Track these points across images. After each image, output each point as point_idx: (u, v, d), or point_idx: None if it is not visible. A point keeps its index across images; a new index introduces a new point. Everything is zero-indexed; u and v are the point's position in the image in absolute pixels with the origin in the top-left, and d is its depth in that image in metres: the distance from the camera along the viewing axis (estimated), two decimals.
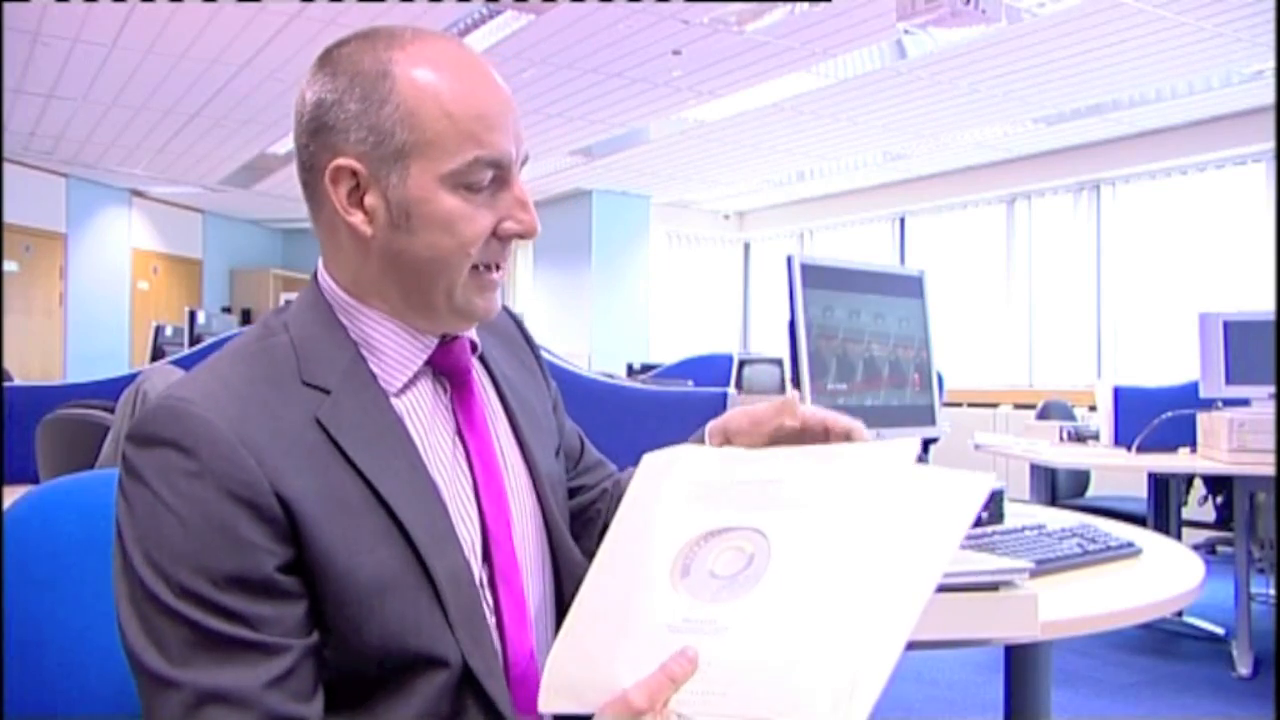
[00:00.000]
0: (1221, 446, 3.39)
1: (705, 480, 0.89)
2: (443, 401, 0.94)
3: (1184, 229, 6.99)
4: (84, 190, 9.20)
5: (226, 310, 10.11)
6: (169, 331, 6.17)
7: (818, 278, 1.60)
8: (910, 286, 1.79)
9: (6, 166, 7.25)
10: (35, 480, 2.24)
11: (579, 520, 1.10)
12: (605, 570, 0.88)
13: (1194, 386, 3.75)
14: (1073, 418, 4.76)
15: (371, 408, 0.88)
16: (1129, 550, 1.47)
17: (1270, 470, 3.18)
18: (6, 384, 3.54)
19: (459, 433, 0.94)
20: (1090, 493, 4.50)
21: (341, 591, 0.81)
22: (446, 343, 0.94)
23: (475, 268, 0.90)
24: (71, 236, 9.15)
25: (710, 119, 6.95)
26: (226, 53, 5.66)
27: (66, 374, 8.57)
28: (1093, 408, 4.64)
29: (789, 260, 1.56)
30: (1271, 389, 3.43)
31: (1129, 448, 3.75)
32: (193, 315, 5.96)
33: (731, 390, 1.81)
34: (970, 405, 7.07)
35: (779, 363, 5.49)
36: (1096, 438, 4.15)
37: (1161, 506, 3.97)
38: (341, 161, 0.87)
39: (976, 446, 4.29)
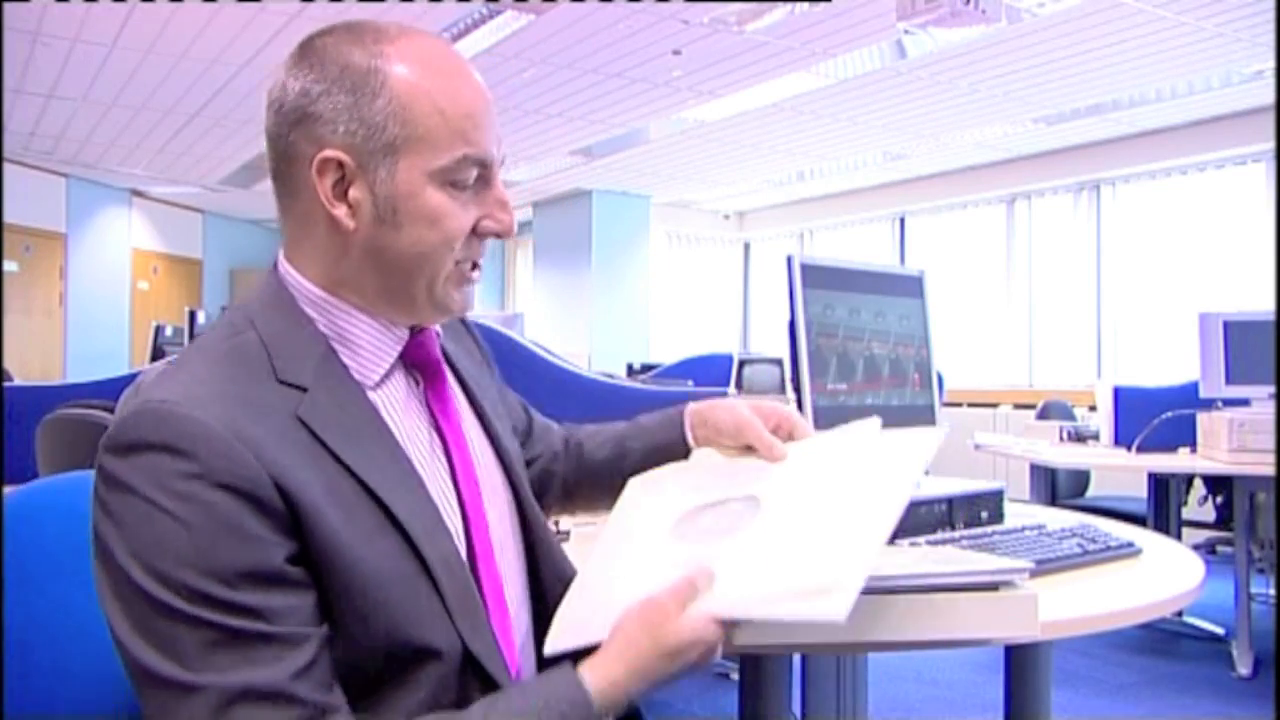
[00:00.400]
0: (1221, 446, 3.39)
1: (696, 480, 1.05)
2: (416, 394, 0.95)
3: (1184, 229, 6.99)
4: (84, 190, 9.20)
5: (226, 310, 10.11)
6: (169, 331, 6.17)
7: (818, 278, 1.59)
8: (910, 286, 1.79)
9: (6, 166, 7.26)
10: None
11: (536, 484, 1.13)
12: (605, 544, 1.00)
13: (1194, 386, 3.75)
14: (1073, 418, 4.76)
15: (349, 403, 0.88)
16: (1129, 550, 1.47)
17: (1270, 470, 3.18)
18: (6, 384, 3.54)
19: (434, 424, 0.95)
20: (1090, 493, 4.50)
21: (349, 584, 0.80)
22: (416, 335, 0.95)
23: (456, 263, 0.91)
24: (71, 236, 9.15)
25: (710, 119, 6.95)
26: (226, 53, 5.66)
27: (66, 374, 8.58)
28: (1093, 408, 4.64)
29: (789, 260, 1.56)
30: (1271, 389, 3.43)
31: (1129, 448, 3.75)
32: (193, 315, 5.95)
33: (731, 390, 1.80)
34: (970, 405, 7.07)
35: (779, 363, 5.49)
36: (1096, 438, 4.15)
37: (1161, 506, 3.97)
38: (329, 153, 0.87)
39: (976, 446, 4.29)
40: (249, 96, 6.48)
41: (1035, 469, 4.18)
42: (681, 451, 1.16)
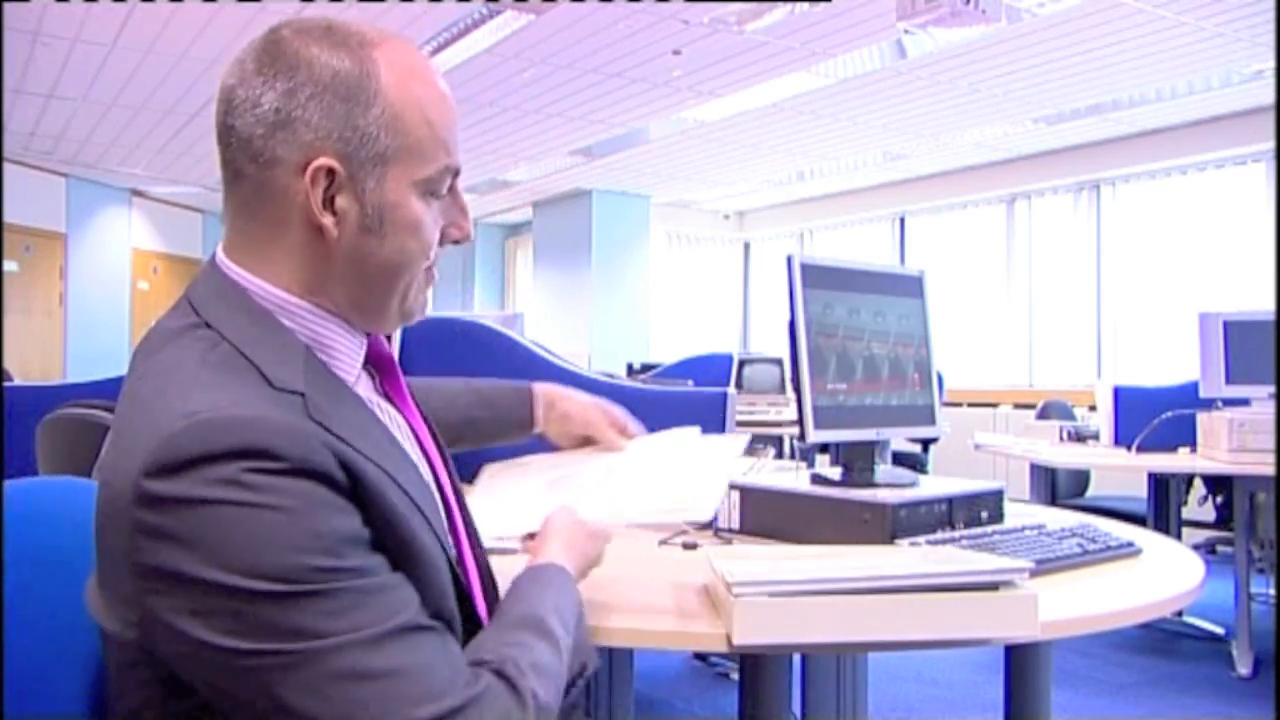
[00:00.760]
0: (1221, 446, 3.39)
1: (551, 462, 1.35)
2: (377, 389, 0.98)
3: (1184, 229, 6.99)
4: (84, 190, 9.20)
5: None
6: None
7: (818, 277, 1.59)
8: (910, 286, 1.79)
9: (6, 166, 7.26)
10: None
11: None
12: (490, 488, 1.32)
13: (1194, 386, 3.75)
14: (1073, 418, 4.76)
15: (345, 401, 0.88)
16: (1129, 550, 1.47)
17: (1270, 470, 3.19)
18: (6, 384, 3.54)
19: (401, 415, 0.99)
20: (1090, 493, 4.51)
21: (408, 556, 0.83)
22: (370, 334, 0.97)
23: (425, 269, 0.94)
24: (71, 236, 9.15)
25: (710, 119, 6.95)
26: (226, 53, 5.65)
27: (66, 374, 8.58)
28: (1093, 408, 4.64)
29: (789, 260, 1.56)
30: (1271, 389, 3.43)
31: (1129, 448, 3.75)
32: None
33: (731, 390, 1.80)
34: (970, 405, 7.07)
35: (779, 362, 5.50)
36: (1096, 438, 4.15)
37: (1161, 506, 3.97)
38: (323, 161, 0.86)
39: (976, 446, 4.29)
40: None
41: (1035, 469, 4.18)
42: (526, 429, 1.40)
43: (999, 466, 5.35)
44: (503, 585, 0.99)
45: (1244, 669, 3.41)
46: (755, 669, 1.35)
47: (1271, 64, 5.47)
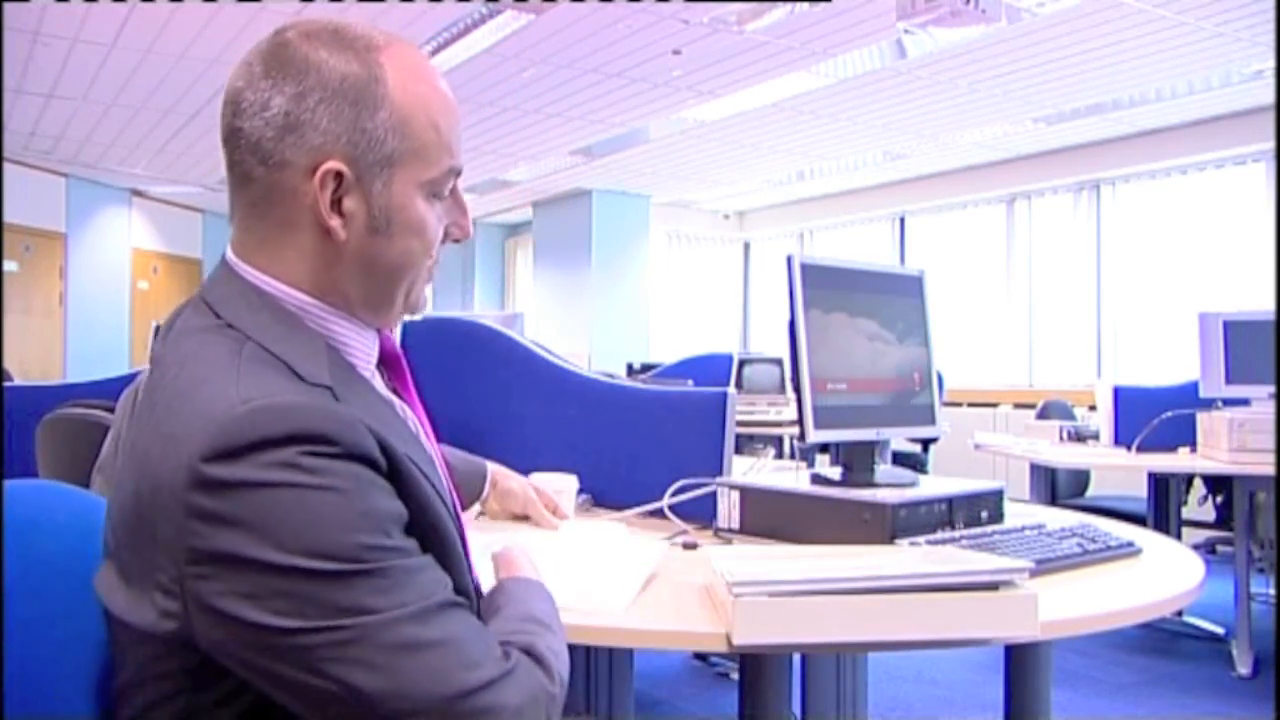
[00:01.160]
0: (1221, 446, 3.39)
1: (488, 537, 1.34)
2: (387, 385, 1.00)
3: (1184, 229, 6.99)
4: (84, 190, 9.20)
5: None
6: None
7: (818, 277, 1.60)
8: (910, 286, 1.79)
9: (6, 166, 7.26)
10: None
11: None
12: None
13: (1194, 386, 3.75)
14: (1073, 417, 4.76)
15: (368, 395, 0.91)
16: (1129, 550, 1.48)
17: (1270, 470, 3.19)
18: (6, 384, 3.54)
19: (410, 409, 1.01)
20: (1090, 492, 4.51)
21: (435, 541, 0.86)
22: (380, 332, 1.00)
23: (427, 268, 0.96)
24: (71, 236, 9.15)
25: (710, 119, 6.95)
26: (226, 53, 5.66)
27: (66, 374, 8.58)
28: (1093, 408, 4.65)
29: (789, 260, 1.56)
30: (1271, 389, 3.43)
31: (1129, 447, 3.75)
32: None
33: (731, 390, 1.80)
34: (970, 405, 7.07)
35: (779, 362, 5.50)
36: (1096, 437, 4.15)
37: (1161, 506, 3.97)
38: (332, 164, 0.87)
39: (976, 446, 4.30)
40: None
41: (1035, 469, 4.18)
42: (475, 500, 1.67)
43: (999, 466, 5.35)
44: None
45: (1244, 669, 3.41)
46: (755, 669, 1.35)
47: (1271, 64, 5.47)
